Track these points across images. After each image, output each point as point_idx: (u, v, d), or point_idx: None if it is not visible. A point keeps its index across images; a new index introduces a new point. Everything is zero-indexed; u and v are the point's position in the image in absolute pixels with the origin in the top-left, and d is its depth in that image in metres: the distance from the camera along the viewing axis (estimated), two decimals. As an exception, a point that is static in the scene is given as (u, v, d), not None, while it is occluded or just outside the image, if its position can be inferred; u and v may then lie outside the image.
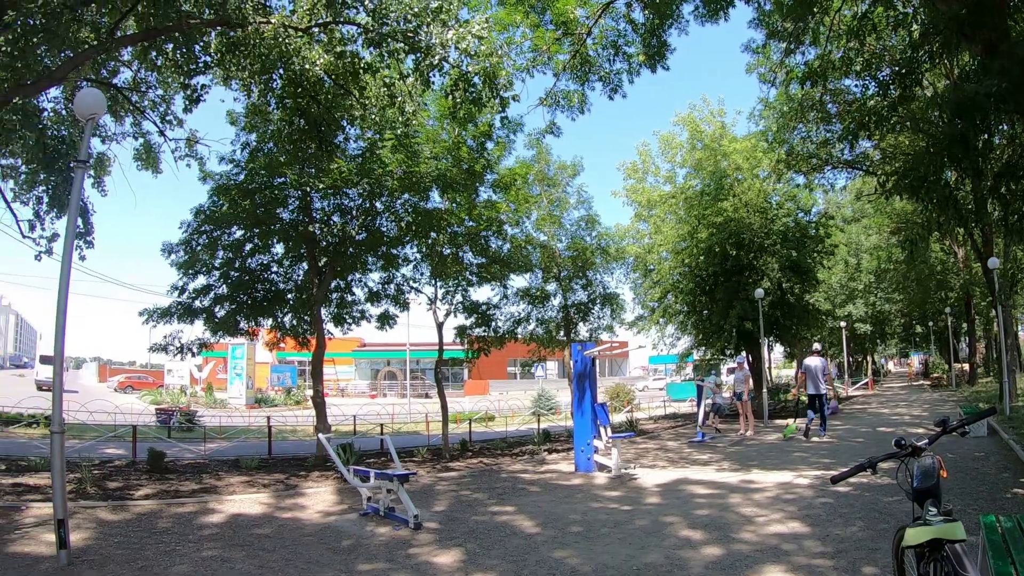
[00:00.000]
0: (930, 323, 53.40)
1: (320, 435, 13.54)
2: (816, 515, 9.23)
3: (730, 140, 27.29)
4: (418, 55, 11.22)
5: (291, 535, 8.97)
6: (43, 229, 16.19)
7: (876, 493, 10.27)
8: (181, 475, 13.43)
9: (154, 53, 12.96)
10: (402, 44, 11.08)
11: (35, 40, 10.51)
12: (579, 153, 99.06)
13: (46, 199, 16.03)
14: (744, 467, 14.25)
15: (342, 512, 10.46)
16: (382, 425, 21.59)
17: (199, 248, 16.51)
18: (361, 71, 12.06)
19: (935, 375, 47.90)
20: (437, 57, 10.98)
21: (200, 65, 12.73)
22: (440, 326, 19.14)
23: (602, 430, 14.64)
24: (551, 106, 17.79)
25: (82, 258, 16.68)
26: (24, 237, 15.95)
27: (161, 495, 11.19)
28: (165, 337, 16.72)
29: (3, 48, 9.86)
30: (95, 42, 12.19)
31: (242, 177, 16.39)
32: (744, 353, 27.01)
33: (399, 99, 12.43)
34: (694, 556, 7.53)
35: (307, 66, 11.88)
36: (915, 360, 67.98)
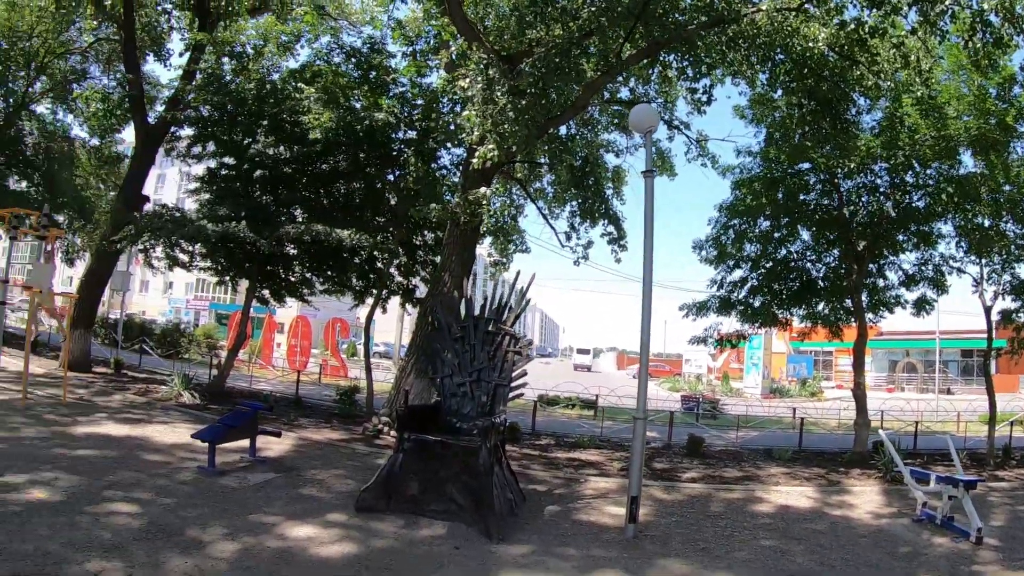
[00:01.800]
0: None
1: (882, 432, 13.32)
2: None
3: None
4: (922, 4, 10.28)
5: (845, 534, 8.86)
6: (578, 238, 18.19)
7: None
8: (718, 461, 14.19)
9: (657, 68, 13.96)
10: None
11: (555, 76, 11.75)
12: None
13: (578, 212, 18.05)
14: None
15: (892, 515, 10.08)
16: (917, 423, 20.32)
17: (727, 242, 17.13)
18: (867, 36, 11.44)
19: None
20: (947, 1, 10.06)
21: (703, 68, 13.39)
22: (988, 310, 17.52)
23: None
24: None
25: (617, 260, 18.73)
26: (563, 247, 18.26)
27: (707, 479, 11.96)
28: (705, 329, 17.78)
29: (531, 91, 11.37)
30: (601, 69, 13.41)
31: (760, 168, 16.63)
32: None
33: (912, 58, 11.72)
34: None
35: (809, 44, 11.85)
36: None
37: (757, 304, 16.97)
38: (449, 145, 16.79)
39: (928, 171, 15.44)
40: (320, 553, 6.58)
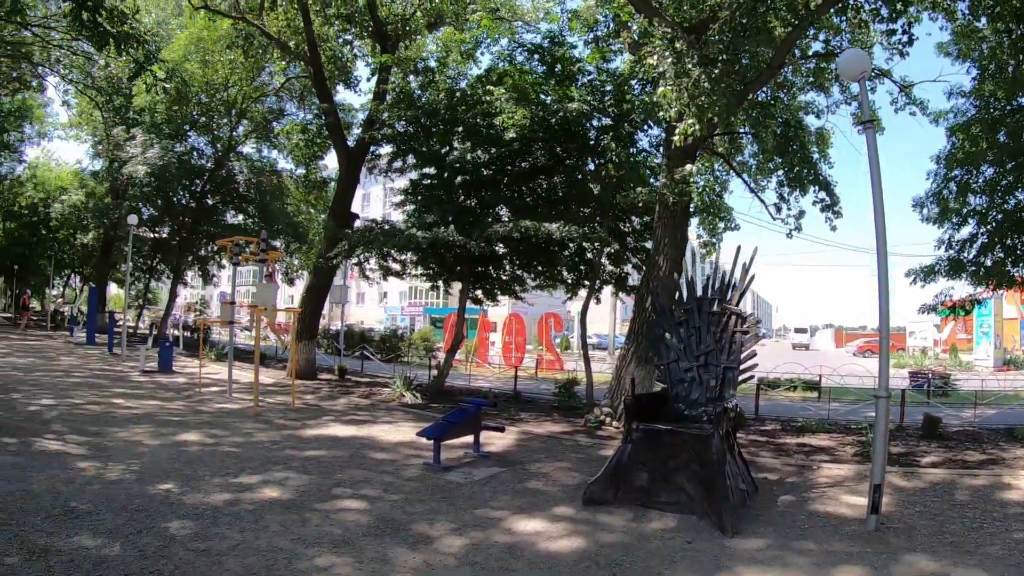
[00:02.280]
0: None
1: None
2: None
3: None
4: None
5: None
6: (788, 209, 17.11)
7: None
8: (957, 443, 13.10)
9: (849, 13, 13.01)
10: None
11: (744, 39, 11.39)
12: None
13: (785, 181, 16.97)
14: None
15: None
16: None
17: (949, 197, 15.69)
18: None
19: None
20: None
21: (898, 6, 12.09)
22: None
23: None
24: None
25: (833, 228, 17.27)
26: (774, 219, 17.29)
27: (947, 464, 11.00)
28: (935, 296, 16.54)
29: (722, 57, 10.98)
30: (791, 24, 12.53)
31: (975, 110, 15.24)
32: None
33: None
34: None
35: None
36: None
37: (989, 263, 15.21)
38: (647, 126, 16.68)
39: None
40: (549, 547, 6.65)
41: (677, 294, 9.88)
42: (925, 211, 16.28)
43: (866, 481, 8.93)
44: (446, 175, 17.26)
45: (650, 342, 9.85)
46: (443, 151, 17.42)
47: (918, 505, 8.57)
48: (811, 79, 16.78)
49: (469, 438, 10.55)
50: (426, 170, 18.62)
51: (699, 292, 9.57)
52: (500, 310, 36.16)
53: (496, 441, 11.60)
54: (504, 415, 14.73)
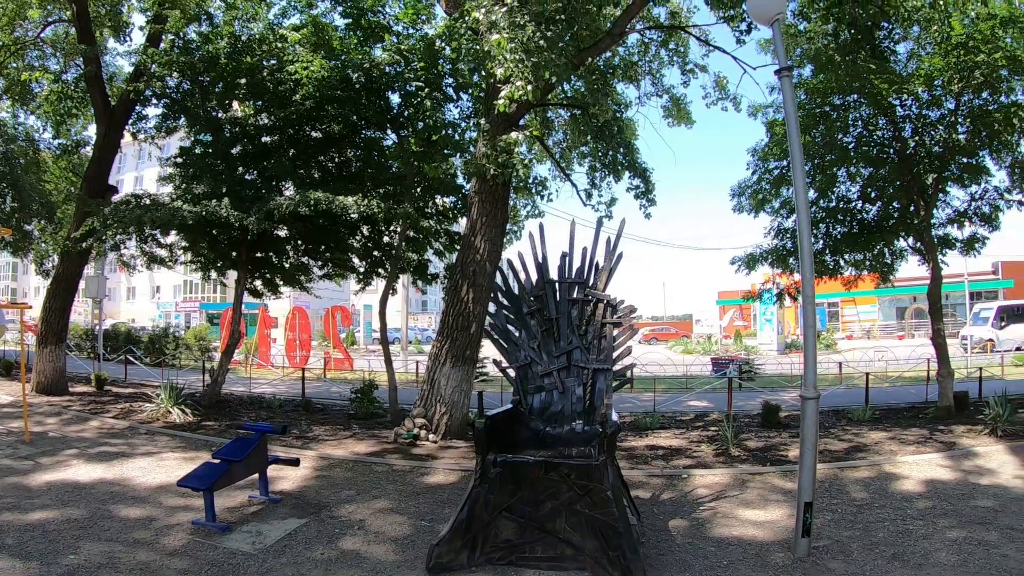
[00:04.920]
0: None
1: None
2: None
3: None
4: None
5: (1018, 508, 7.56)
6: (600, 195, 16.50)
7: None
8: (795, 430, 12.26)
9: None
10: None
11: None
12: None
13: (600, 166, 16.25)
14: None
15: None
16: (980, 369, 19.05)
17: (767, 188, 15.62)
18: None
19: None
20: None
21: None
22: None
23: None
24: None
25: (647, 216, 16.55)
26: (585, 204, 16.57)
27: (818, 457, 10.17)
28: (763, 284, 16.91)
29: (559, 17, 9.63)
30: None
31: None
32: None
33: None
34: None
35: None
36: None
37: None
38: (460, 95, 14.66)
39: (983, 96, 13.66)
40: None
41: (524, 276, 7.75)
42: (740, 200, 16.30)
43: (750, 488, 8.48)
44: (223, 142, 14.47)
45: (494, 340, 7.60)
46: (222, 116, 14.77)
47: (826, 512, 7.45)
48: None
49: (254, 475, 7.81)
50: (201, 137, 15.55)
51: (554, 275, 7.60)
52: (282, 303, 33.07)
53: (288, 473, 8.97)
54: (294, 430, 12.19)
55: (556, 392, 7.06)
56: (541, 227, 7.88)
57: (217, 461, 7.09)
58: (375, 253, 16.03)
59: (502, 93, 9.80)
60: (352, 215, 13.06)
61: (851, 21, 12.56)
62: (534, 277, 7.67)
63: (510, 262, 7.82)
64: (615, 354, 7.13)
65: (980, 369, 19.15)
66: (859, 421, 13.31)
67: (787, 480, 8.86)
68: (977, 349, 35.02)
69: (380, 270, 16.26)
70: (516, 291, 7.65)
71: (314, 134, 14.86)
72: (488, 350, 11.53)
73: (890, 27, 13.47)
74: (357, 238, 15.81)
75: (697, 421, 13.98)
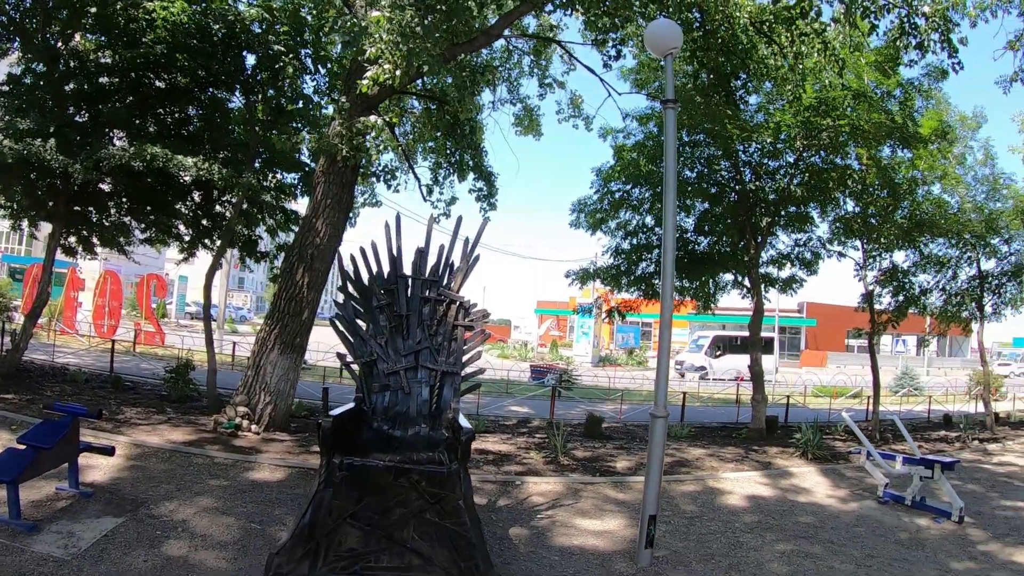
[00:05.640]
0: None
1: (845, 414, 12.95)
2: None
3: None
4: None
5: (836, 524, 8.18)
6: (441, 193, 16.42)
7: None
8: (626, 441, 12.87)
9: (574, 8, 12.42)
10: None
11: None
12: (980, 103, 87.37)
13: (446, 164, 16.19)
14: None
15: (855, 498, 9.58)
16: (788, 396, 20.46)
17: (607, 208, 16.11)
18: (797, 17, 10.90)
19: None
20: None
21: (617, 21, 12.03)
22: (869, 294, 17.25)
23: None
24: (1018, 50, 15.17)
25: (486, 219, 16.62)
26: (425, 200, 16.30)
27: (641, 469, 10.15)
28: (595, 300, 16.60)
29: (440, 7, 9.35)
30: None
31: (641, 135, 15.60)
32: None
33: (831, 46, 11.28)
34: None
35: (736, 13, 11.21)
36: None
37: (639, 273, 16.23)
38: (319, 67, 13.77)
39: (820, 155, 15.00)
40: None
41: (376, 268, 7.35)
42: (580, 216, 16.64)
43: (584, 498, 8.48)
44: (58, 76, 12.81)
45: (339, 331, 7.11)
46: (61, 47, 13.04)
47: (661, 523, 7.32)
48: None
49: (63, 464, 6.78)
50: (36, 67, 13.47)
51: (407, 270, 7.27)
52: (92, 265, 29.75)
53: (99, 463, 7.92)
54: (104, 411, 10.58)
55: (401, 392, 6.73)
56: (398, 218, 7.53)
57: (23, 447, 6.09)
58: (204, 222, 14.83)
59: (367, 73, 9.38)
60: (187, 178, 12.09)
61: (713, 67, 13.01)
62: (387, 270, 7.31)
63: (363, 250, 7.35)
64: (465, 358, 6.92)
65: (788, 397, 20.48)
66: (679, 437, 13.66)
67: (619, 491, 8.94)
68: (690, 376, 36.83)
69: (207, 241, 15.07)
70: (367, 283, 7.24)
71: (159, 83, 13.46)
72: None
73: (747, 78, 14.12)
74: (188, 203, 14.59)
75: (521, 427, 14.00)
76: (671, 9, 10.93)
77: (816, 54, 11.55)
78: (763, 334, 39.04)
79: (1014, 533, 8.20)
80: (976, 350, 30.98)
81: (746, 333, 34.36)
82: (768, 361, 39.65)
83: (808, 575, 6.29)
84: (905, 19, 9.96)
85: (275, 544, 5.48)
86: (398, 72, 8.93)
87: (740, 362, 37.14)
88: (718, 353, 41.76)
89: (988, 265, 19.07)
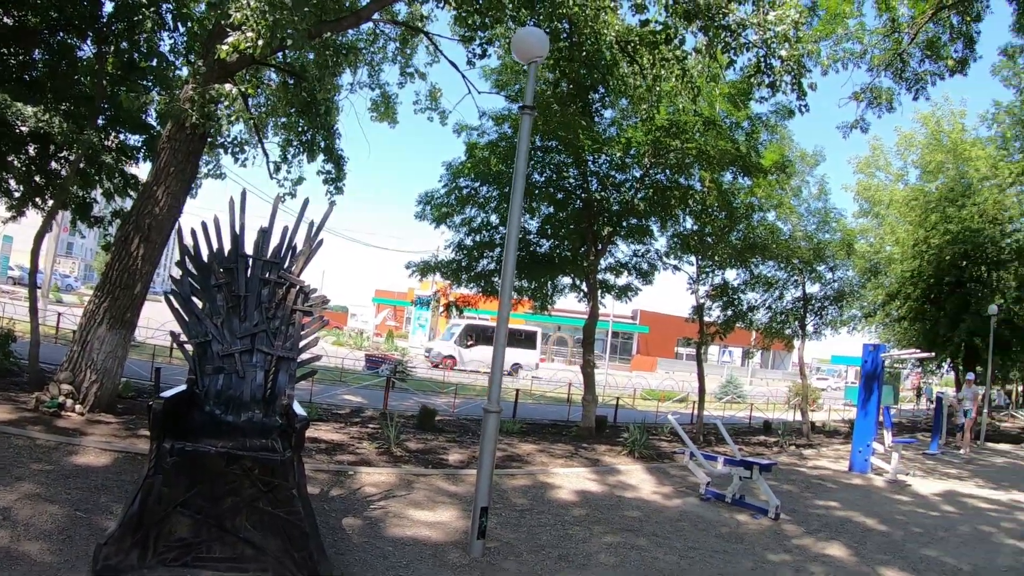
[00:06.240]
0: None
1: (671, 417, 13.15)
2: None
3: (971, 143, 25.13)
4: (723, 33, 10.66)
5: (661, 519, 8.54)
6: (288, 172, 15.72)
7: None
8: (459, 434, 12.96)
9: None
10: (713, 21, 10.58)
11: None
12: (820, 143, 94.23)
13: (297, 142, 15.55)
14: (999, 486, 14.11)
15: (679, 495, 10.08)
16: (618, 399, 21.33)
17: (453, 203, 16.09)
18: (662, 42, 11.33)
19: None
20: (749, 37, 10.48)
21: (487, 20, 12.14)
22: (700, 307, 18.21)
23: (885, 433, 15.19)
24: (862, 101, 16.60)
25: (332, 204, 16.28)
26: (271, 178, 15.56)
27: (474, 462, 10.24)
28: (434, 293, 16.49)
29: None
30: None
31: (495, 135, 15.77)
32: (971, 371, 25.00)
33: (688, 75, 11.78)
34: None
35: (603, 30, 11.43)
36: None
37: (479, 270, 16.47)
38: (179, 25, 12.91)
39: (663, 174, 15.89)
40: None
41: (217, 244, 6.99)
42: (424, 209, 16.50)
43: (417, 489, 8.47)
44: None
45: (172, 309, 6.69)
46: None
47: (492, 516, 7.36)
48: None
49: None
50: None
51: (248, 250, 6.96)
52: None
53: None
54: None
55: (236, 376, 6.45)
56: (243, 195, 7.15)
57: None
58: (37, 179, 13.34)
59: (228, 39, 8.93)
60: (24, 128, 11.03)
61: (575, 78, 13.29)
62: (228, 248, 6.97)
63: (204, 225, 6.92)
64: (302, 343, 6.71)
65: (617, 399, 21.31)
66: (511, 433, 13.89)
67: (451, 483, 8.98)
68: (438, 364, 36.07)
69: (39, 199, 13.67)
70: (206, 260, 6.88)
71: (7, 20, 12.12)
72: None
73: (605, 93, 14.51)
74: (21, 157, 13.24)
75: (354, 417, 13.80)
76: (543, 17, 11.12)
77: (674, 79, 11.96)
78: (527, 328, 40.28)
79: (825, 529, 8.85)
80: (797, 364, 34.29)
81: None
82: (530, 356, 41.52)
83: (633, 565, 6.52)
84: (763, 59, 10.56)
85: (103, 534, 5.10)
86: (260, 42, 8.60)
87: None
88: (469, 343, 40.58)
89: (812, 289, 20.71)
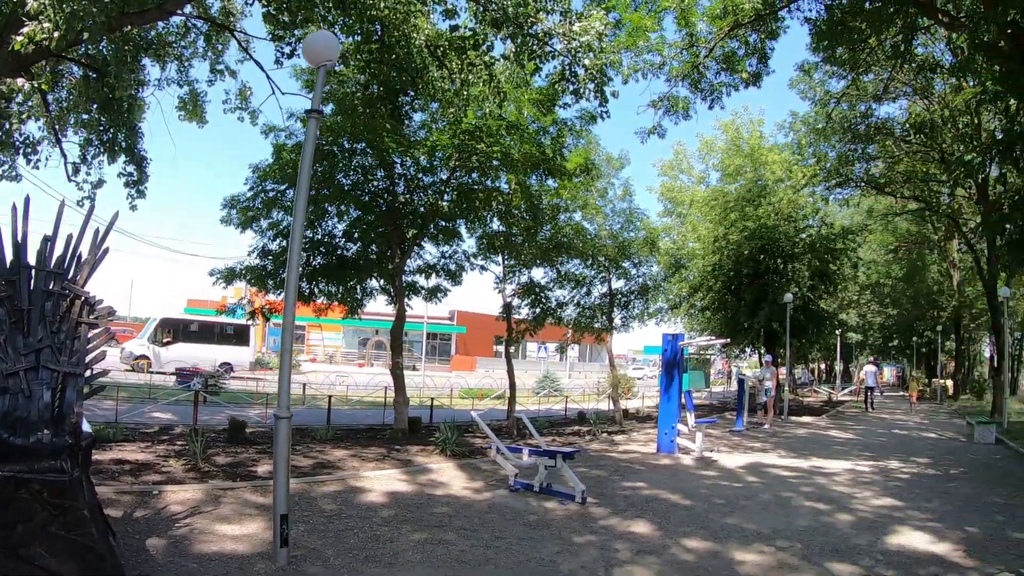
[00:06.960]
0: (914, 339, 53.86)
1: (473, 413, 13.66)
2: (899, 493, 11.25)
3: (768, 149, 28.35)
4: (531, 42, 11.16)
5: (470, 512, 8.81)
6: (88, 174, 15.19)
7: (935, 481, 12.75)
8: (261, 447, 12.65)
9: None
10: (522, 30, 11.01)
11: None
12: (627, 148, 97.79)
13: (98, 142, 14.97)
14: (800, 455, 15.81)
15: (489, 488, 10.41)
16: (432, 399, 21.70)
17: (259, 206, 15.64)
18: (470, 48, 11.81)
19: (919, 388, 44.02)
20: (556, 46, 11.05)
21: (300, 19, 11.99)
22: (508, 305, 18.88)
23: (688, 416, 15.95)
24: (660, 109, 17.83)
25: (133, 208, 15.66)
26: (70, 180, 15.03)
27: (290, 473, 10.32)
28: (239, 300, 16.01)
29: None
30: None
31: (303, 136, 15.50)
32: (768, 353, 28.07)
33: (495, 80, 12.27)
34: (837, 521, 9.06)
35: (414, 34, 11.81)
36: (887, 372, 71.80)
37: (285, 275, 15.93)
38: None
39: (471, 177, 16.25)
40: None
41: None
42: (229, 213, 15.99)
43: (225, 504, 8.36)
44: None
45: None
46: None
47: (300, 524, 7.66)
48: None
49: None
50: None
51: (32, 260, 6.58)
52: None
53: None
54: None
55: (22, 396, 6.10)
56: (27, 201, 6.73)
57: None
58: None
59: (24, 29, 8.48)
60: None
61: (385, 80, 13.35)
62: (9, 258, 6.56)
63: (-17, 234, 6.50)
64: (88, 358, 6.43)
65: (432, 399, 21.66)
66: (323, 439, 13.86)
67: (260, 495, 8.88)
68: (126, 368, 30.46)
69: None
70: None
71: None
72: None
73: (415, 96, 14.70)
74: None
75: (163, 434, 13.27)
76: (354, 18, 11.27)
77: (482, 84, 12.36)
78: (238, 323, 37.50)
79: (631, 508, 9.37)
80: (624, 357, 36.12)
81: (207, 319, 34.90)
82: (242, 353, 37.97)
83: (440, 559, 6.72)
84: (567, 67, 11.17)
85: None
86: (57, 34, 8.21)
87: (197, 353, 33.32)
88: (167, 340, 35.00)
89: (618, 284, 21.83)
